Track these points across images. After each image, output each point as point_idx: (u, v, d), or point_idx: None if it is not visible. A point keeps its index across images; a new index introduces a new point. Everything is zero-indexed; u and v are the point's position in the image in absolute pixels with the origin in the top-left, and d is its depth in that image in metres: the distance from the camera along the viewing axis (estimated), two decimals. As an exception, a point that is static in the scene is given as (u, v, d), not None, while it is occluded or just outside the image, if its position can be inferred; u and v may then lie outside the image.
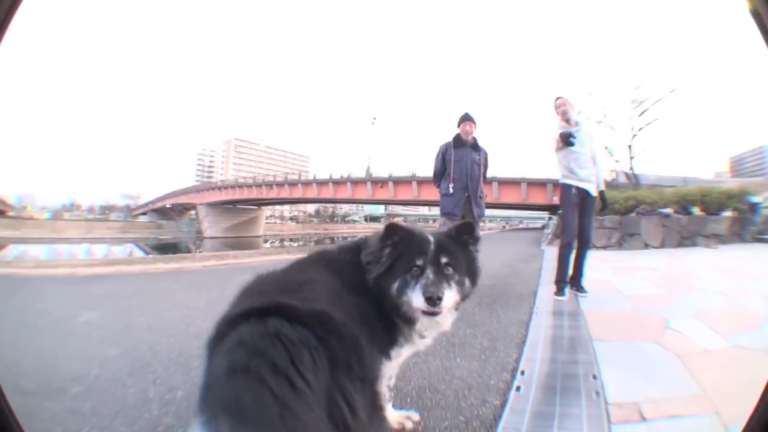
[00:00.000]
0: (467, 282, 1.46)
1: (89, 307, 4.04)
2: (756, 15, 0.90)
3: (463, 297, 1.44)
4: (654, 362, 2.40)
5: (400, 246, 1.42)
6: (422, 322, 1.44)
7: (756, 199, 10.67)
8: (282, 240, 60.59)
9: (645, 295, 4.29)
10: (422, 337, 1.51)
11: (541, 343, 2.88)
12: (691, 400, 1.84)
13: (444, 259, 1.38)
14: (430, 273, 1.33)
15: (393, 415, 1.73)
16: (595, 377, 2.20)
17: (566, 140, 4.30)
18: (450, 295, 1.32)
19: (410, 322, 1.39)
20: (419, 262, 1.36)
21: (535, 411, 1.86)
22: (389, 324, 1.43)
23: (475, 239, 1.55)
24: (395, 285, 1.36)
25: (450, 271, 1.38)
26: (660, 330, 3.00)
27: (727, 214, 10.50)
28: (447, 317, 1.49)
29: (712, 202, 10.91)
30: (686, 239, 10.03)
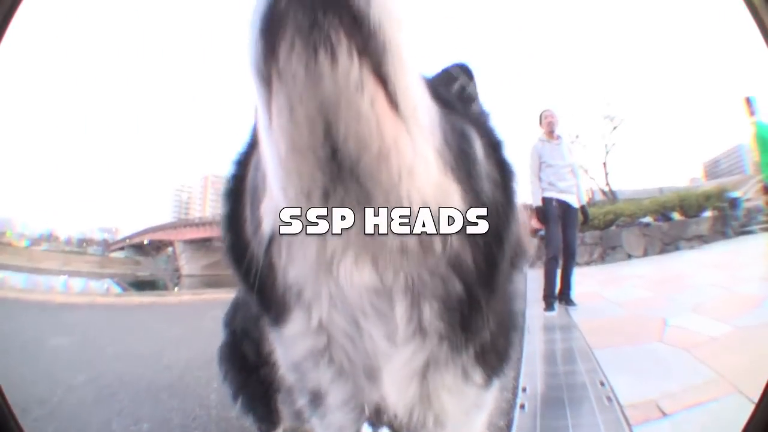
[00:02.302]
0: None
1: (60, 334, 3.94)
2: (755, 14, 0.88)
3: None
4: (661, 359, 2.26)
5: None
6: None
7: (736, 194, 10.83)
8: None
9: (637, 300, 4.17)
10: None
11: (537, 358, 2.71)
12: (708, 386, 1.72)
13: None
14: None
15: None
16: (602, 383, 2.04)
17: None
18: None
19: None
20: None
21: (546, 426, 1.69)
22: None
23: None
24: None
25: None
26: (659, 329, 2.87)
27: (708, 214, 10.60)
28: None
29: (690, 205, 11.05)
30: (668, 245, 10.05)
